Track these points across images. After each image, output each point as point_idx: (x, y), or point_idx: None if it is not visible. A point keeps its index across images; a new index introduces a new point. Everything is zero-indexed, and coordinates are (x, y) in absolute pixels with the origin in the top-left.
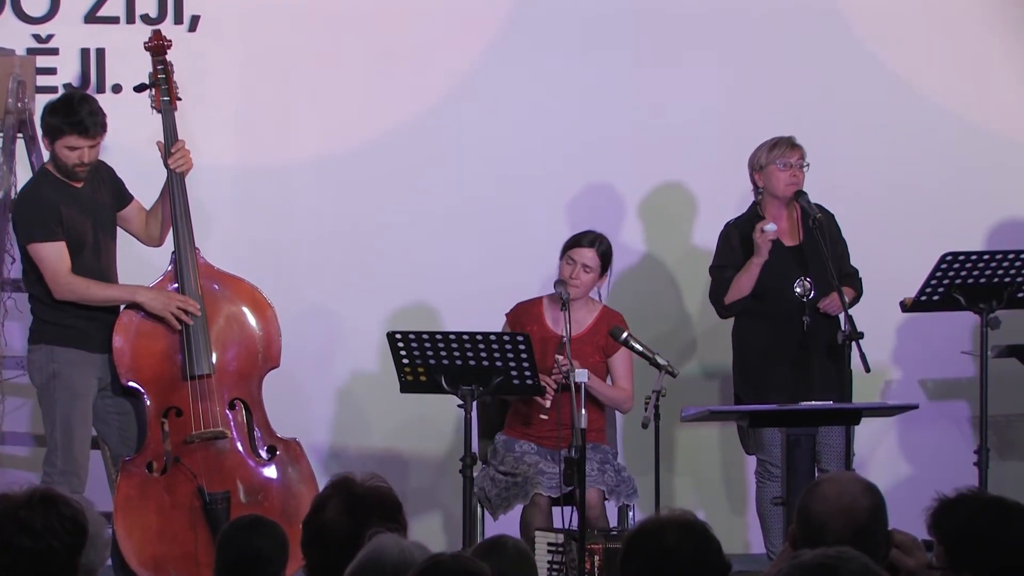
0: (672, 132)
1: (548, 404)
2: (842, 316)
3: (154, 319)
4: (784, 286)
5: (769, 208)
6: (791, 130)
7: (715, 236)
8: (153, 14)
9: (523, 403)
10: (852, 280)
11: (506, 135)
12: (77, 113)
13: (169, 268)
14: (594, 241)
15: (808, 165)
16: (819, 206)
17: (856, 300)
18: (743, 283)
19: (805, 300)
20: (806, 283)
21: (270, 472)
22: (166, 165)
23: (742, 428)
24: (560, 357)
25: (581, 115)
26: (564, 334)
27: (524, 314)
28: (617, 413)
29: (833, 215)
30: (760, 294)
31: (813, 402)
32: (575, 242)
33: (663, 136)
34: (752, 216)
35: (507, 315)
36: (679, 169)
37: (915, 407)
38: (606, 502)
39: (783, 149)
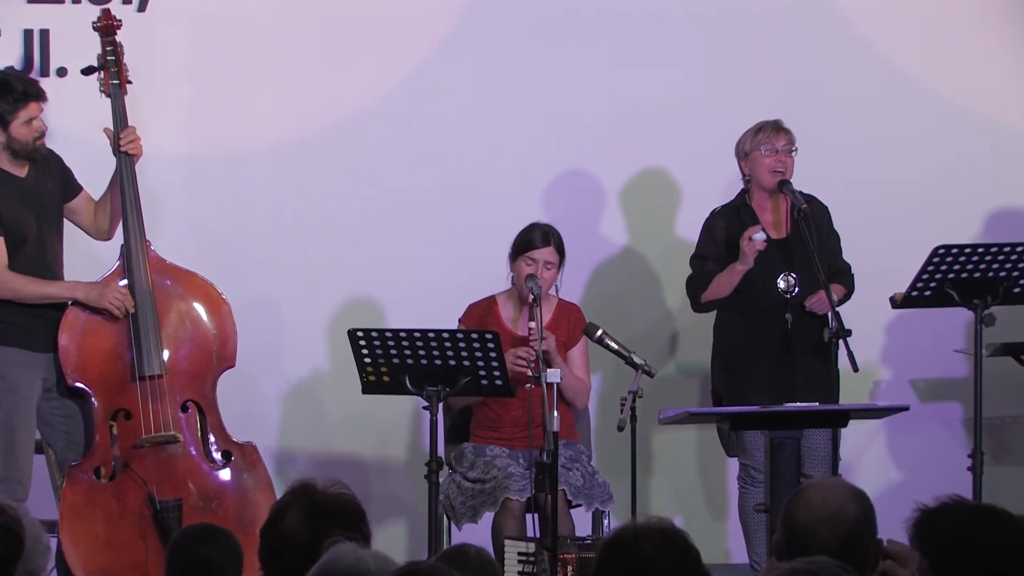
0: (655, 119)
1: (530, 372)
2: (829, 313)
3: (101, 316)
4: (768, 281)
5: (757, 197)
6: (778, 116)
7: (700, 228)
8: None
9: (487, 407)
10: (844, 277)
11: (471, 122)
12: (16, 85)
13: (118, 262)
14: (547, 237)
15: (796, 150)
16: (812, 197)
17: (847, 298)
18: (722, 286)
19: (788, 296)
20: (790, 278)
21: (225, 478)
22: (115, 153)
23: (722, 430)
24: (532, 324)
25: (554, 101)
26: (526, 332)
27: (481, 315)
28: (591, 413)
29: (827, 208)
30: (742, 288)
31: (798, 403)
32: (529, 243)
33: (644, 123)
34: (740, 205)
35: (461, 320)
36: (662, 157)
37: (906, 409)
38: (576, 508)
39: (768, 133)
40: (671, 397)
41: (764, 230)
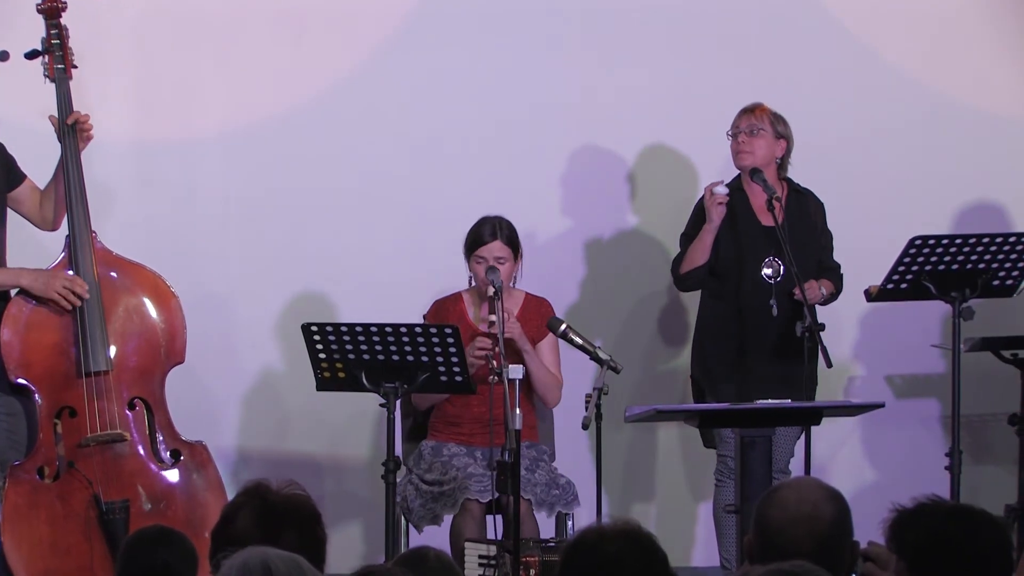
0: (640, 100)
1: (492, 365)
2: (804, 307)
3: (46, 308)
4: (751, 266)
5: (749, 183)
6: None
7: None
8: None
9: (448, 403)
10: (832, 275)
11: (428, 109)
12: None
13: (63, 254)
14: (495, 231)
15: (763, 130)
16: (808, 192)
17: (834, 297)
18: (695, 253)
19: (773, 283)
20: (776, 263)
21: (173, 478)
22: (60, 140)
23: None
24: (492, 317)
25: (513, 90)
26: (494, 328)
27: (445, 312)
28: (554, 411)
29: (823, 204)
30: (724, 273)
31: (769, 400)
32: (477, 240)
33: (633, 104)
34: (733, 189)
35: (425, 316)
36: (668, 136)
37: (881, 406)
38: (539, 513)
39: (735, 118)
40: (677, 389)
41: (727, 185)
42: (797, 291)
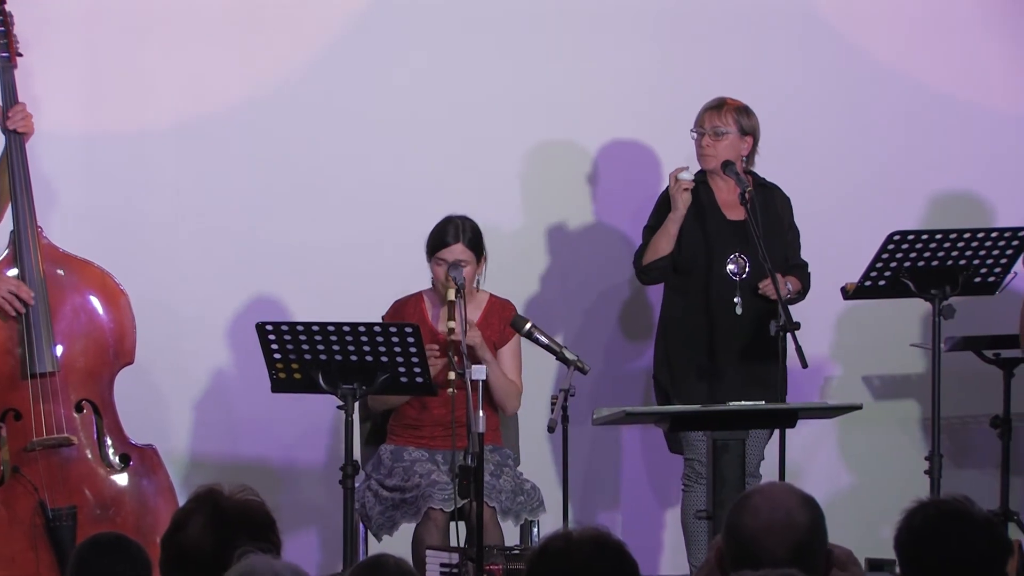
0: (613, 92)
1: (453, 370)
2: (778, 304)
3: None
4: (716, 262)
5: (715, 178)
6: (732, 96)
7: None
8: None
9: (408, 405)
10: (799, 272)
11: (386, 103)
12: None
13: (7, 250)
14: (457, 234)
15: (727, 133)
16: (775, 187)
17: (801, 296)
18: (660, 242)
19: (737, 279)
20: (741, 259)
21: (122, 483)
22: (3, 130)
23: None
24: (452, 323)
25: (482, 80)
26: (454, 326)
27: (405, 314)
28: (517, 413)
29: (789, 199)
30: (688, 269)
31: (743, 402)
32: (439, 242)
33: (596, 97)
34: (699, 182)
35: (384, 317)
36: (631, 129)
37: (858, 407)
38: (504, 521)
39: (700, 115)
40: (633, 387)
41: (693, 178)
42: (762, 285)
